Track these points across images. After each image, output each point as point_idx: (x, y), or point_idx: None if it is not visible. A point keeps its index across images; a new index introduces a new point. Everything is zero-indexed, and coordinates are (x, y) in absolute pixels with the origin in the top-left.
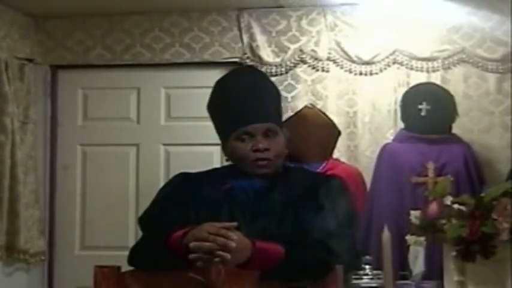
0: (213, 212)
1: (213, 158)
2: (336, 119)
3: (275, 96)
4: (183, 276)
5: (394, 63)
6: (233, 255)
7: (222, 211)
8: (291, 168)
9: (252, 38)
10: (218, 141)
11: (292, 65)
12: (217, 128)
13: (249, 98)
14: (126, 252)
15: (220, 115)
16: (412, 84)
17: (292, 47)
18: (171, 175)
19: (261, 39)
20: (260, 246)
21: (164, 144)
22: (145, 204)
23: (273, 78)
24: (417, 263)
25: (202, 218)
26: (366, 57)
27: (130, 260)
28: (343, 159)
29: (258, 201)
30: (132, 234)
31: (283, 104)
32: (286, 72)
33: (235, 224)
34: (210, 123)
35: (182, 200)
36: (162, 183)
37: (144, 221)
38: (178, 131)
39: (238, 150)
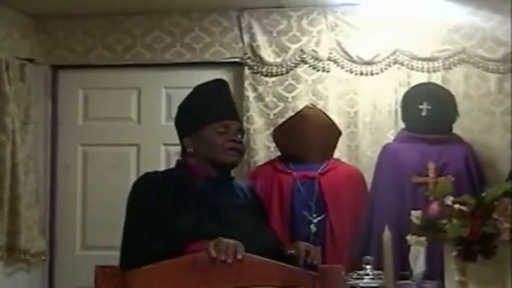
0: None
1: None
2: (336, 119)
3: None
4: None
5: (394, 63)
6: None
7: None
8: None
9: (252, 38)
10: None
11: (292, 65)
12: (190, 120)
13: (227, 100)
14: None
15: (201, 108)
16: (412, 84)
17: (293, 47)
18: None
19: (261, 39)
20: None
21: (165, 145)
22: None
23: (273, 78)
24: (418, 263)
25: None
26: (367, 57)
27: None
28: (343, 159)
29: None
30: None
31: (283, 104)
32: (287, 72)
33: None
34: None
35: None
36: None
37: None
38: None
39: (216, 138)
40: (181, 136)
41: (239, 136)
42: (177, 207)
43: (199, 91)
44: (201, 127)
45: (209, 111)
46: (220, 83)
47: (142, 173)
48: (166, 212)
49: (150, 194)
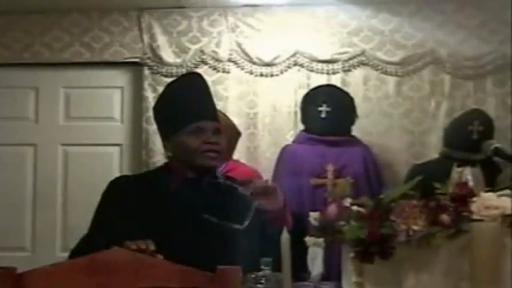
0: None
1: (113, 158)
2: (236, 120)
3: (214, 103)
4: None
5: (294, 65)
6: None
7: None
8: None
9: (152, 38)
10: (117, 141)
11: (192, 65)
12: (164, 125)
13: (201, 98)
14: (23, 254)
15: (172, 112)
16: (312, 86)
17: (193, 47)
18: (70, 175)
19: (161, 39)
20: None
21: (63, 145)
22: (42, 205)
23: (173, 79)
24: (316, 264)
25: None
26: (267, 59)
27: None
28: (243, 161)
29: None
30: (29, 236)
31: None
32: None
33: None
34: (109, 124)
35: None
36: (60, 184)
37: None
38: (77, 131)
39: (191, 143)
40: (162, 139)
41: (215, 137)
42: (128, 210)
43: (171, 90)
44: (175, 132)
45: (180, 114)
46: (192, 78)
47: (39, 173)
48: (113, 214)
49: (106, 195)
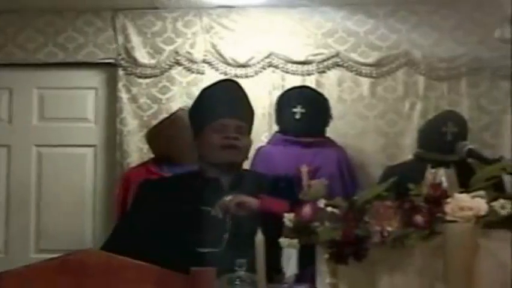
0: None
1: (87, 159)
2: None
3: (248, 108)
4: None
5: (269, 66)
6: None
7: None
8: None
9: (127, 39)
10: (91, 142)
11: (167, 66)
12: (193, 125)
13: (227, 99)
14: None
15: (199, 112)
16: (287, 87)
17: (168, 48)
18: (43, 176)
19: (136, 40)
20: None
21: (36, 145)
22: (16, 206)
23: (147, 80)
24: (290, 265)
25: None
26: (242, 60)
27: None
28: None
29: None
30: (2, 237)
31: (157, 106)
32: (161, 74)
33: None
34: (83, 125)
35: None
36: (33, 185)
37: None
38: (51, 132)
39: (212, 138)
40: (193, 140)
41: (237, 134)
42: (152, 212)
43: (201, 93)
44: (202, 130)
45: (206, 113)
46: (224, 82)
47: (12, 174)
48: (137, 212)
49: (137, 195)
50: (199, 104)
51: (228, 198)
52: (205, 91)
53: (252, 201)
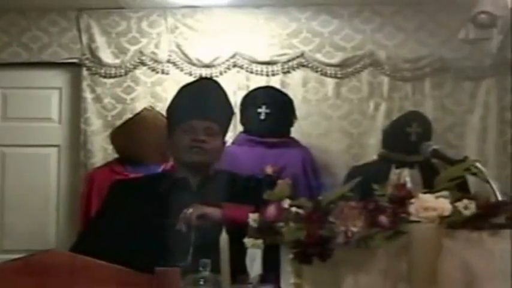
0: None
1: (50, 159)
2: None
3: (226, 107)
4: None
5: (234, 66)
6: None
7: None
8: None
9: (91, 39)
10: (55, 142)
11: (131, 66)
12: (167, 125)
13: (200, 99)
14: None
15: (172, 112)
16: (251, 87)
17: (132, 48)
18: (6, 176)
19: (100, 40)
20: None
21: (0, 145)
22: None
23: (112, 80)
24: (255, 265)
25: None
26: (206, 60)
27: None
28: None
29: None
30: None
31: (122, 106)
32: (126, 74)
33: None
34: (46, 125)
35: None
36: None
37: None
38: (14, 131)
39: (180, 140)
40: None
41: (206, 136)
42: (121, 212)
43: (177, 92)
44: (173, 130)
45: (178, 113)
46: (202, 82)
47: None
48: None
49: (109, 195)
50: (174, 103)
51: (189, 211)
52: (181, 90)
53: (214, 212)
